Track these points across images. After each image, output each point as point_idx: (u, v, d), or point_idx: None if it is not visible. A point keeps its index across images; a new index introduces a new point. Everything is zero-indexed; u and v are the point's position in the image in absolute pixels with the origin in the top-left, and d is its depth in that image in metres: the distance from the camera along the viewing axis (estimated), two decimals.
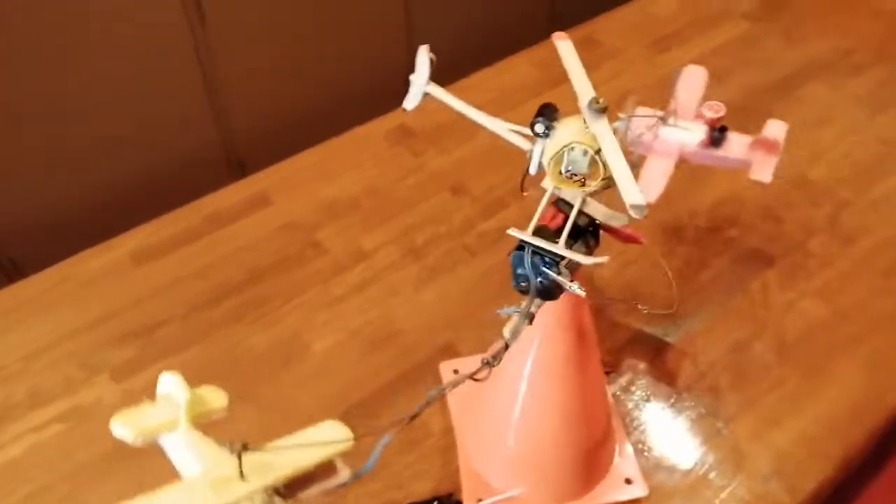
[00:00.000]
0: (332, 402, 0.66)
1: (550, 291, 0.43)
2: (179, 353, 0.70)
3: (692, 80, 0.62)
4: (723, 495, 0.60)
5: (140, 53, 1.09)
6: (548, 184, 0.45)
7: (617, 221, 0.45)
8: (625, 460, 0.62)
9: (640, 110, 0.60)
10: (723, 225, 0.82)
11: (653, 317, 0.72)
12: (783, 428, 0.65)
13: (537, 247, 0.42)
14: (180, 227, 0.81)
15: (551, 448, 0.57)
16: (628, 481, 0.60)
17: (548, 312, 0.51)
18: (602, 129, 0.40)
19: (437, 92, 0.47)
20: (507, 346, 0.43)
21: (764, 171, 0.53)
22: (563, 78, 0.45)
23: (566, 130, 0.42)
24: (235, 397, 0.63)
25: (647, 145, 0.57)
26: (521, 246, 0.44)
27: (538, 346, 0.52)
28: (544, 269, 0.43)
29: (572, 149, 0.41)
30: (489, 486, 0.59)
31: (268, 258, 0.78)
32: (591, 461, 0.59)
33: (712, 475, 0.62)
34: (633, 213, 0.38)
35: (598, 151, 0.41)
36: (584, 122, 0.41)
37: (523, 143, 0.45)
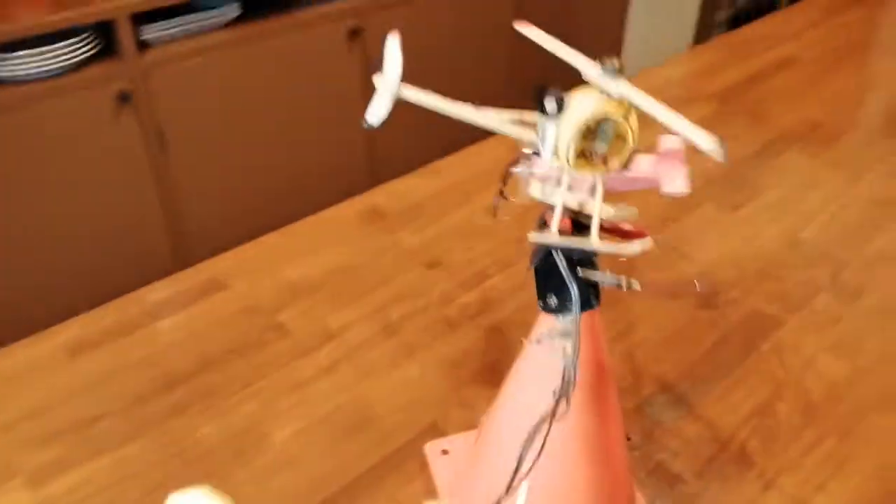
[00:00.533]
0: (295, 501, 0.55)
1: (590, 296, 0.36)
2: (115, 449, 0.59)
3: None
4: None
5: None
6: (538, 190, 0.39)
7: (628, 214, 0.38)
8: None
9: None
10: (721, 288, 0.76)
11: (662, 374, 0.64)
12: (829, 492, 0.55)
13: (567, 248, 0.36)
14: (123, 316, 0.72)
15: None
16: None
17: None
18: (629, 90, 0.35)
19: (411, 94, 0.40)
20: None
21: (675, 182, 0.45)
22: None
23: (583, 103, 0.36)
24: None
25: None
26: (544, 256, 0.37)
27: (547, 387, 0.44)
28: (580, 270, 0.36)
29: (605, 121, 0.36)
30: None
31: (221, 344, 0.69)
32: None
33: None
34: (715, 156, 0.34)
35: (627, 118, 0.35)
36: (601, 91, 0.36)
37: (523, 134, 0.39)
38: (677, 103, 1.03)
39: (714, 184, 0.93)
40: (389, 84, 0.39)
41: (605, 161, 0.37)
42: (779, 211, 0.88)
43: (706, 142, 0.34)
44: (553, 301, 0.40)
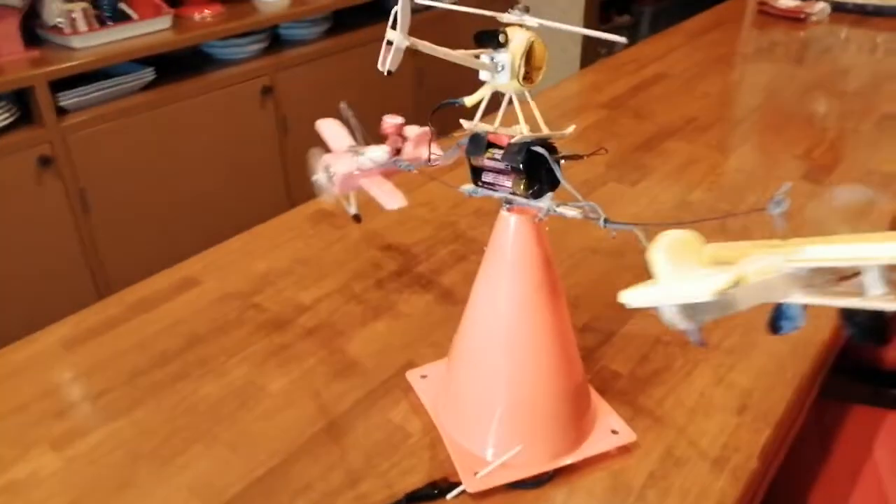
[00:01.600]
0: (299, 429, 0.63)
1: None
2: (127, 414, 0.64)
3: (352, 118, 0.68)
4: (704, 428, 0.61)
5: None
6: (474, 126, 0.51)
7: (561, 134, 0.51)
8: (605, 415, 0.62)
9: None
10: (629, 241, 0.90)
11: (593, 306, 0.76)
12: (739, 370, 0.68)
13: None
14: (108, 313, 0.78)
15: (543, 392, 0.56)
16: (614, 432, 0.60)
17: (512, 244, 0.54)
18: (537, 22, 0.47)
19: (420, 44, 0.49)
20: None
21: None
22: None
23: (518, 37, 0.48)
24: (193, 441, 0.60)
25: (353, 178, 0.62)
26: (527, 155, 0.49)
27: (511, 279, 0.54)
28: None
29: (531, 47, 0.48)
30: (482, 461, 0.57)
31: (205, 325, 0.76)
32: (579, 407, 0.59)
33: (684, 416, 0.63)
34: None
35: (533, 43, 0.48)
36: (521, 26, 0.48)
37: (486, 64, 0.50)
38: (574, 112, 1.25)
39: (614, 167, 1.09)
40: (400, 38, 0.48)
41: (532, 79, 0.49)
42: (670, 182, 1.04)
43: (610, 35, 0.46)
44: (537, 186, 0.51)
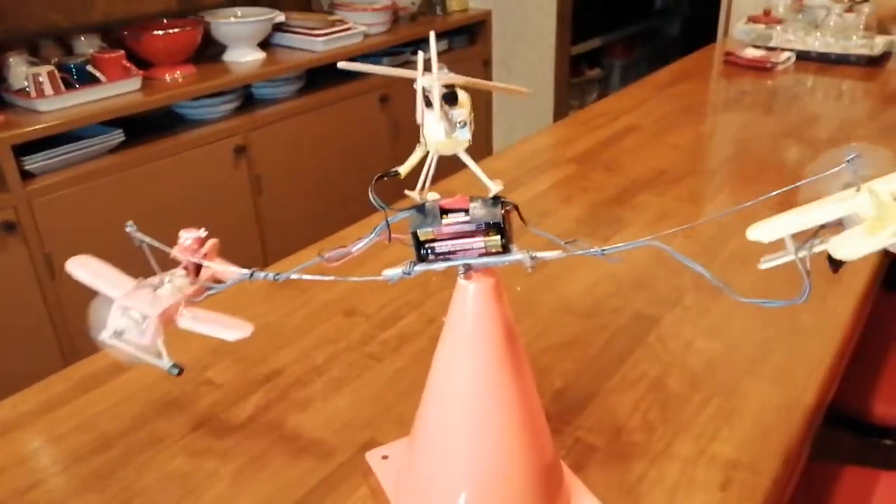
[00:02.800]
0: None
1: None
2: None
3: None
4: None
5: None
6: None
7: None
8: (579, 495, 0.57)
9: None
10: (605, 299, 0.87)
11: (567, 370, 0.72)
12: (722, 440, 0.64)
13: None
14: (50, 393, 0.73)
15: (509, 475, 0.52)
16: None
17: (472, 314, 0.50)
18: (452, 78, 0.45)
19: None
20: None
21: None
22: None
23: (461, 93, 0.46)
24: None
25: (168, 318, 0.51)
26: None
27: (471, 353, 0.51)
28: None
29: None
30: None
31: (151, 405, 0.71)
32: (549, 488, 0.55)
33: (665, 497, 0.58)
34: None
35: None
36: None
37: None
38: (543, 167, 1.23)
39: (585, 223, 1.06)
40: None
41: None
42: (642, 236, 1.01)
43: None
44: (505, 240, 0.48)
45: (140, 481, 0.62)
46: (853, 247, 0.44)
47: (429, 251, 0.49)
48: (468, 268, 0.51)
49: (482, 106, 2.97)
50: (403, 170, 0.49)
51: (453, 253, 0.50)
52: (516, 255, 0.49)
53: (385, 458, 0.62)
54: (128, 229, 0.55)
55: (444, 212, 0.49)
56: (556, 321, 0.83)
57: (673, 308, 0.84)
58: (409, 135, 2.56)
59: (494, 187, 0.48)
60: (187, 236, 0.54)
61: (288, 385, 0.73)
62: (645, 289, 0.88)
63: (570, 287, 0.89)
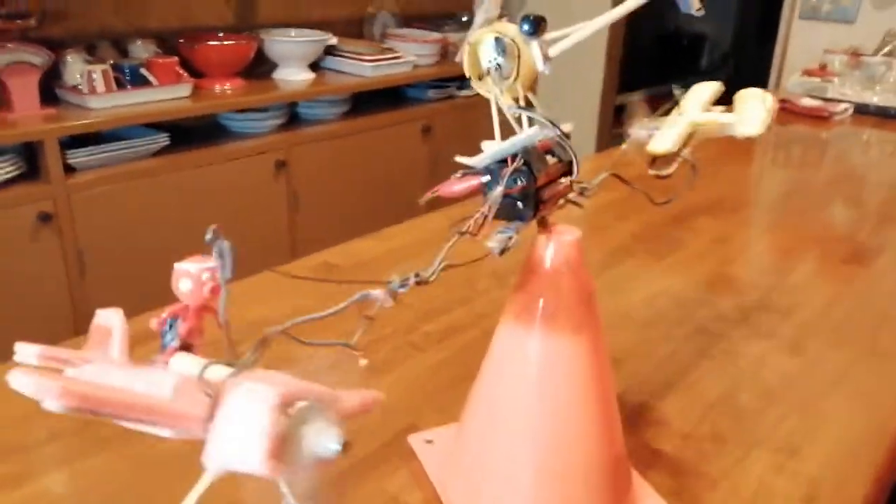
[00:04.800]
0: (278, 499, 0.52)
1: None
2: (73, 462, 0.54)
3: None
4: None
5: None
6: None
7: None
8: (646, 498, 0.51)
9: None
10: (664, 313, 0.81)
11: (629, 374, 0.67)
12: (802, 456, 0.58)
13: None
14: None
15: (579, 462, 0.46)
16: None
17: (550, 271, 0.45)
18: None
19: None
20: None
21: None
22: None
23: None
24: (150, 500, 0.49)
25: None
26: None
27: (547, 316, 0.46)
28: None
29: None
30: None
31: None
32: (618, 484, 0.48)
33: None
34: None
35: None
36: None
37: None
38: (601, 189, 1.12)
39: (641, 240, 1.01)
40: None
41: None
42: (704, 257, 0.96)
43: None
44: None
45: (160, 444, 0.57)
46: (663, 139, 0.47)
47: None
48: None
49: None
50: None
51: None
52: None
53: (429, 442, 0.57)
54: (208, 236, 0.41)
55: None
56: (617, 326, 0.77)
57: (740, 327, 0.78)
58: (448, 166, 2.54)
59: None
60: (199, 268, 0.37)
61: (325, 366, 0.68)
62: (707, 306, 0.83)
63: (628, 297, 0.84)
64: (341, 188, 2.24)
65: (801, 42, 2.41)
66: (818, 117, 1.79)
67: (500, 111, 0.45)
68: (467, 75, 0.46)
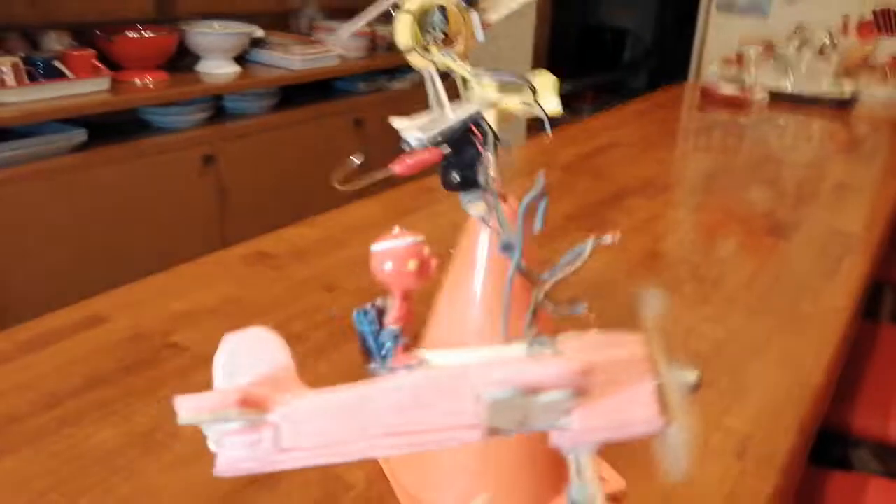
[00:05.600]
0: (215, 483, 0.50)
1: None
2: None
3: None
4: (704, 474, 0.52)
5: None
6: None
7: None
8: None
9: None
10: (597, 291, 0.83)
11: None
12: (734, 414, 0.60)
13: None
14: None
15: (526, 443, 0.46)
16: (601, 479, 0.50)
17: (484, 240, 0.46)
18: None
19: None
20: None
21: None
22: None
23: None
24: (78, 494, 0.47)
25: None
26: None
27: (485, 283, 0.46)
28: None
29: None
30: None
31: (109, 366, 0.63)
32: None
33: None
34: None
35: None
36: None
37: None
38: (527, 173, 1.15)
39: (575, 219, 1.03)
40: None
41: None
42: (637, 234, 0.98)
43: None
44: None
45: (89, 440, 0.54)
46: None
47: None
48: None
49: None
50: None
51: None
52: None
53: None
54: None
55: None
56: None
57: (672, 295, 0.81)
58: (380, 158, 2.53)
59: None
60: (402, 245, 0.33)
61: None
62: (641, 280, 0.85)
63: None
64: (272, 183, 2.19)
65: (718, 34, 2.50)
66: (737, 104, 1.87)
67: (436, 83, 0.45)
68: (404, 46, 0.45)
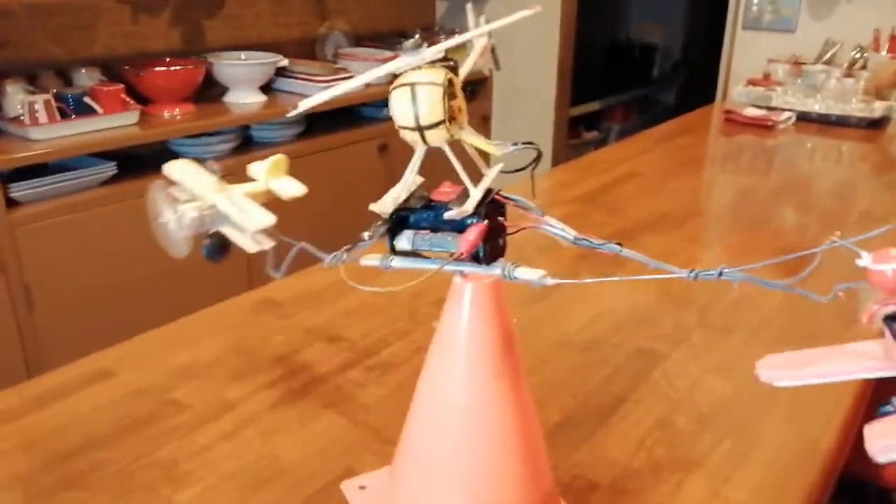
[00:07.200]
0: None
1: None
2: None
3: None
4: None
5: None
6: None
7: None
8: None
9: None
10: (603, 336, 0.81)
11: (566, 405, 0.66)
12: (734, 483, 0.58)
13: None
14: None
15: (509, 501, 0.46)
16: None
17: (468, 319, 0.45)
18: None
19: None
20: None
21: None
22: None
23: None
24: None
25: None
26: None
27: (466, 363, 0.45)
28: None
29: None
30: None
31: (110, 424, 0.64)
32: None
33: None
34: None
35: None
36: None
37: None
38: (543, 206, 1.14)
39: (585, 258, 1.02)
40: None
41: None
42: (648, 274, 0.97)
43: None
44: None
45: (93, 500, 0.55)
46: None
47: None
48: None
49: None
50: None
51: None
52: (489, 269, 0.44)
53: (363, 488, 0.56)
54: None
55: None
56: (552, 355, 0.77)
57: (679, 344, 0.79)
58: None
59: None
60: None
61: (262, 409, 0.67)
62: (648, 325, 0.83)
63: (568, 320, 0.84)
64: (299, 210, 2.22)
65: (745, 52, 2.46)
66: (762, 126, 1.83)
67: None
68: (434, 121, 0.44)
